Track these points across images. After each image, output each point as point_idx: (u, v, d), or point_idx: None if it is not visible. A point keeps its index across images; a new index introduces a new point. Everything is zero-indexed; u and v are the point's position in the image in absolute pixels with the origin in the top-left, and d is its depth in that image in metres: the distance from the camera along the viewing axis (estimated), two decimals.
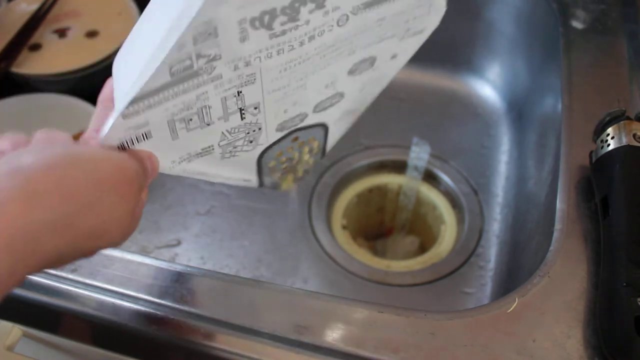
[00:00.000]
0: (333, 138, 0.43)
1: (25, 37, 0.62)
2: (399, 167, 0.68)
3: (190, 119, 0.32)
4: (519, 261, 0.52)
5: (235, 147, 0.37)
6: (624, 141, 0.40)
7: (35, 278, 0.39)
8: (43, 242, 0.25)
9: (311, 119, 0.39)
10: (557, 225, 0.41)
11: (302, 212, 0.63)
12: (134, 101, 0.29)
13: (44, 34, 0.64)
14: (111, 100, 0.31)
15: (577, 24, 0.58)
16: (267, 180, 0.43)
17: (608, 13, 0.59)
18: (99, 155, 0.28)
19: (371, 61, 0.37)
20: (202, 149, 0.35)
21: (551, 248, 0.40)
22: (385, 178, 0.69)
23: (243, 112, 0.34)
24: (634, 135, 0.40)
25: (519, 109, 0.69)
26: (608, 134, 0.41)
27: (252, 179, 0.42)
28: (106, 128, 0.30)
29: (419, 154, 0.64)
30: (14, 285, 0.25)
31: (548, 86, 0.58)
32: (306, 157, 0.43)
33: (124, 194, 0.29)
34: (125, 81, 0.30)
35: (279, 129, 0.38)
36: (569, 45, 0.55)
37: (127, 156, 0.30)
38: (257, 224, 0.63)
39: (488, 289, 0.57)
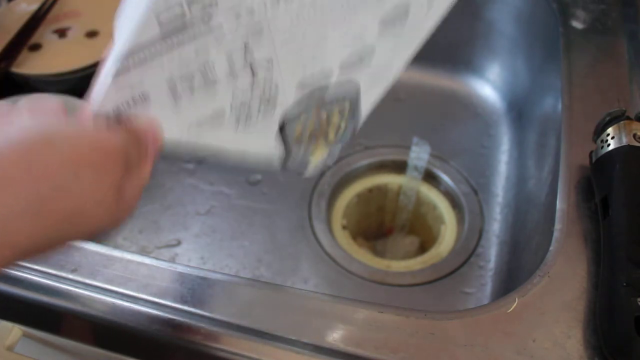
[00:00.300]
0: (365, 105, 0.38)
1: (25, 37, 0.62)
2: (399, 167, 0.68)
3: (192, 77, 0.29)
4: (519, 261, 0.52)
5: (250, 109, 0.33)
6: (624, 141, 0.40)
7: (35, 278, 0.39)
8: (14, 231, 0.23)
9: (337, 77, 0.34)
10: (557, 225, 0.41)
11: (302, 212, 0.63)
12: (122, 56, 0.27)
13: (44, 34, 0.64)
14: None
15: (577, 24, 0.58)
16: (296, 151, 0.38)
17: (608, 13, 0.59)
18: (75, 132, 0.26)
19: (405, 9, 0.33)
20: (213, 112, 0.31)
21: (551, 248, 0.40)
22: (385, 178, 0.69)
23: (254, 67, 0.31)
24: (634, 135, 0.40)
25: (519, 109, 0.69)
26: (608, 134, 0.41)
27: (277, 151, 0.37)
28: (97, 89, 0.28)
29: (419, 154, 0.64)
30: None
31: (548, 86, 0.58)
32: (336, 118, 0.38)
33: (104, 172, 0.26)
34: (117, 37, 0.28)
35: (299, 87, 0.34)
36: (569, 45, 0.55)
37: (109, 127, 0.27)
38: (257, 224, 0.63)
39: (488, 289, 0.57)
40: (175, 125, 0.31)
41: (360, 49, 0.34)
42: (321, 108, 0.36)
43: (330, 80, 0.34)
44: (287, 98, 0.34)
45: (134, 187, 0.29)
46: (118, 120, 0.29)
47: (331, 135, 0.39)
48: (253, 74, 0.31)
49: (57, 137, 0.25)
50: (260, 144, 0.35)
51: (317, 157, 0.40)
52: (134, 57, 0.27)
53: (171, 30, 0.27)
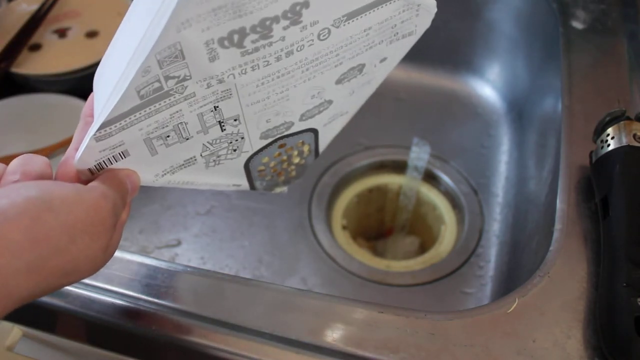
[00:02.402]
0: (325, 140, 0.42)
1: (25, 37, 0.62)
2: (399, 167, 0.68)
3: (168, 136, 0.32)
4: (519, 261, 0.52)
5: (219, 157, 0.37)
6: (624, 141, 0.40)
7: None
8: (14, 286, 0.26)
9: (298, 126, 0.38)
10: (557, 225, 0.41)
11: (302, 212, 0.63)
12: (104, 124, 0.29)
13: (44, 34, 0.64)
14: (92, 115, 0.31)
15: (577, 24, 0.58)
16: (258, 183, 0.42)
17: (608, 13, 0.59)
18: (71, 198, 0.28)
19: (359, 68, 0.36)
20: (185, 161, 0.35)
21: (551, 248, 0.40)
22: (385, 178, 0.69)
23: (222, 124, 0.34)
24: (634, 136, 0.40)
25: (519, 109, 0.69)
26: (608, 134, 0.41)
27: (243, 183, 0.41)
28: (80, 151, 0.30)
29: (419, 154, 0.64)
30: None
31: (548, 86, 0.58)
32: (297, 160, 0.42)
33: (96, 234, 0.29)
34: (99, 100, 0.30)
35: (263, 137, 0.37)
36: (569, 45, 0.55)
37: (102, 192, 0.30)
38: (257, 224, 0.63)
39: (488, 289, 0.57)
40: (150, 173, 0.34)
41: (319, 105, 0.37)
42: (282, 153, 0.40)
43: (291, 131, 0.38)
44: (252, 146, 0.38)
45: (116, 237, 0.32)
46: (100, 172, 0.32)
47: (292, 173, 0.44)
48: (222, 129, 0.34)
49: (56, 203, 0.27)
50: (226, 180, 0.39)
51: (280, 188, 0.45)
52: (116, 125, 0.29)
53: (150, 101, 0.29)
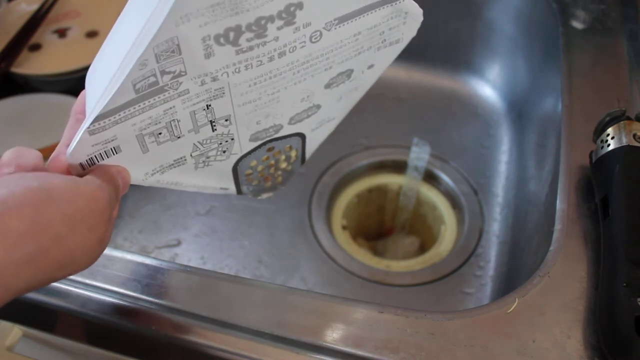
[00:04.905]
0: (312, 146, 0.43)
1: (25, 37, 0.63)
2: (399, 167, 0.68)
3: (160, 133, 0.32)
4: (519, 261, 0.52)
5: (208, 157, 0.37)
6: (624, 141, 0.40)
7: None
8: (13, 278, 0.25)
9: (287, 130, 0.39)
10: (557, 225, 0.41)
11: (302, 212, 0.63)
12: (99, 117, 0.29)
13: (44, 34, 0.64)
14: (83, 112, 0.31)
15: (577, 24, 0.58)
16: (245, 188, 0.43)
17: (608, 13, 0.59)
18: (70, 188, 0.28)
19: (348, 74, 0.37)
20: (175, 160, 0.35)
21: (551, 248, 0.40)
22: (385, 178, 0.69)
23: (214, 124, 0.34)
24: (634, 136, 0.40)
25: (519, 109, 0.69)
26: (608, 134, 0.41)
27: (230, 187, 0.42)
28: (73, 144, 0.30)
29: (419, 154, 0.64)
30: None
31: (548, 86, 0.58)
32: (284, 165, 0.43)
33: (94, 225, 0.29)
34: (93, 95, 0.30)
35: (252, 139, 0.38)
36: (569, 45, 0.55)
37: (99, 185, 0.30)
38: (257, 224, 0.63)
39: (488, 289, 0.57)
40: (140, 172, 0.34)
41: (308, 109, 0.38)
42: (270, 157, 0.41)
43: (280, 134, 0.39)
44: (242, 148, 0.38)
45: (109, 232, 0.32)
46: (91, 167, 0.32)
47: (279, 179, 0.44)
48: (213, 129, 0.35)
49: (56, 193, 0.27)
50: (214, 183, 0.40)
51: (266, 194, 0.45)
52: (110, 119, 0.29)
53: (145, 96, 0.29)
